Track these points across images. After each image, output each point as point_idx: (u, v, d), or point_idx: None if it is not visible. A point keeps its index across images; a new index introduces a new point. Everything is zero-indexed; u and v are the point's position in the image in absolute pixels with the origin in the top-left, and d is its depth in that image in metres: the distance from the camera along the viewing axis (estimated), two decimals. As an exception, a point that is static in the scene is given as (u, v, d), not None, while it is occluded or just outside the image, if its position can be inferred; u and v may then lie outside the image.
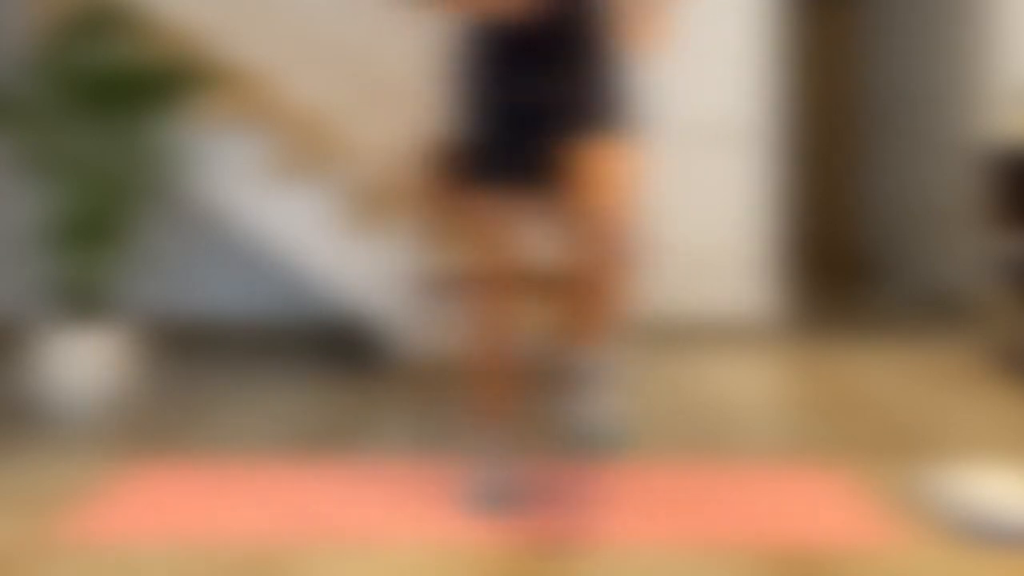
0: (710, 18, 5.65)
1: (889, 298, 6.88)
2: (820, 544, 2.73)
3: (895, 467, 3.35)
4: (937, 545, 2.71)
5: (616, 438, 3.13)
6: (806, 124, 8.54)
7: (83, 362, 4.17)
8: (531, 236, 3.13)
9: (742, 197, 5.69)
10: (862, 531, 2.81)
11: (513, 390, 3.16)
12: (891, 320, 6.02)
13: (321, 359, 5.09)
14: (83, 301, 4.29)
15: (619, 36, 3.10)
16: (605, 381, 3.14)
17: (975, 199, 6.08)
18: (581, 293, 3.04)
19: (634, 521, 2.90)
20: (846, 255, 8.53)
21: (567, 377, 3.18)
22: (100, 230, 4.27)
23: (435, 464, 3.42)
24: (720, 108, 5.66)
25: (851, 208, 8.52)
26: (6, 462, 3.46)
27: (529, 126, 3.05)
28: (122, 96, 4.28)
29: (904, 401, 4.18)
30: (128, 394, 4.32)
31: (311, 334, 5.67)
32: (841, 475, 3.27)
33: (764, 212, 5.70)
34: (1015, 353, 4.89)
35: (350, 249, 4.87)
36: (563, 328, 3.15)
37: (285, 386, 4.53)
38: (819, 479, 3.24)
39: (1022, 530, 2.74)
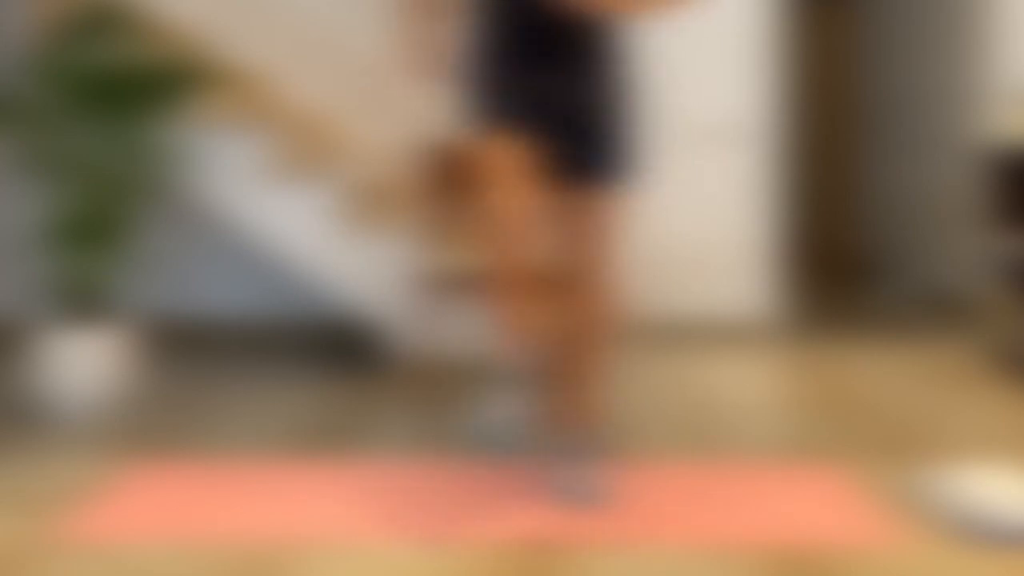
0: (711, 18, 5.65)
1: (889, 298, 6.88)
2: (820, 544, 2.73)
3: (895, 467, 3.35)
4: (937, 545, 2.71)
5: (595, 496, 3.13)
6: (806, 124, 8.54)
7: (83, 362, 4.17)
8: (543, 238, 3.14)
9: (742, 197, 5.69)
10: (862, 531, 2.81)
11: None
12: (891, 320, 6.02)
13: (321, 359, 5.09)
14: (83, 301, 4.29)
15: (621, 30, 3.10)
16: (591, 446, 3.16)
17: (975, 199, 6.08)
18: (581, 295, 3.06)
19: (634, 521, 2.90)
20: (846, 255, 8.53)
21: (560, 434, 3.19)
22: (100, 230, 4.27)
23: (435, 463, 3.42)
24: (720, 108, 5.66)
25: (851, 208, 8.52)
26: (6, 462, 3.46)
27: (539, 127, 3.06)
28: (122, 96, 4.28)
29: (904, 401, 4.18)
30: (128, 394, 4.32)
31: (311, 334, 5.67)
32: (841, 475, 3.27)
33: (764, 212, 5.70)
34: (1015, 353, 4.89)
35: (350, 249, 4.87)
36: (563, 330, 3.16)
37: (285, 386, 4.54)
38: (819, 479, 3.24)
39: (1022, 530, 2.74)
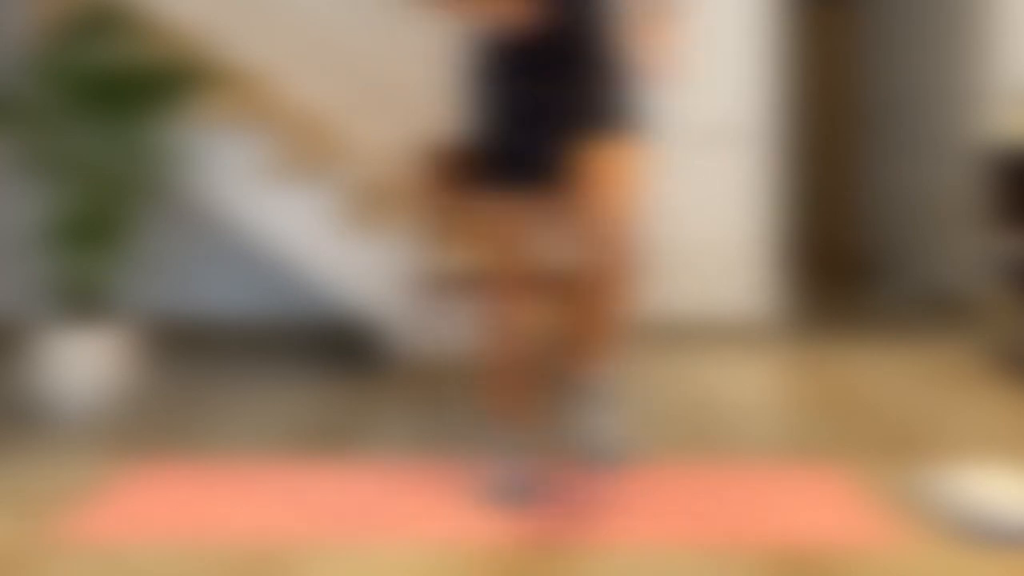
0: (711, 18, 5.65)
1: (889, 298, 6.88)
2: (820, 544, 2.73)
3: (895, 467, 3.35)
4: (937, 545, 2.71)
5: (621, 452, 3.16)
6: (806, 124, 8.54)
7: (83, 362, 4.17)
8: (542, 239, 3.14)
9: (742, 197, 5.68)
10: (862, 531, 2.81)
11: (529, 390, 3.18)
12: (891, 320, 6.02)
13: (321, 359, 5.09)
14: (83, 301, 4.29)
15: (630, 47, 3.12)
16: (611, 394, 3.17)
17: (975, 199, 6.08)
18: (587, 297, 3.06)
19: (634, 521, 2.90)
20: (846, 255, 8.53)
21: (575, 387, 3.20)
22: (100, 230, 4.27)
23: (435, 463, 3.42)
24: (720, 108, 5.66)
25: (851, 208, 8.52)
26: (6, 462, 3.46)
27: (540, 130, 3.07)
28: (122, 96, 4.28)
29: (904, 401, 4.18)
30: (128, 394, 4.32)
31: (311, 334, 5.67)
32: (841, 475, 3.27)
33: (764, 212, 5.70)
34: (1015, 353, 4.89)
35: (350, 249, 4.87)
36: (570, 333, 3.16)
37: (285, 386, 4.53)
38: (819, 479, 3.24)
39: (1022, 530, 2.74)
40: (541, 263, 3.10)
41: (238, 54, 5.59)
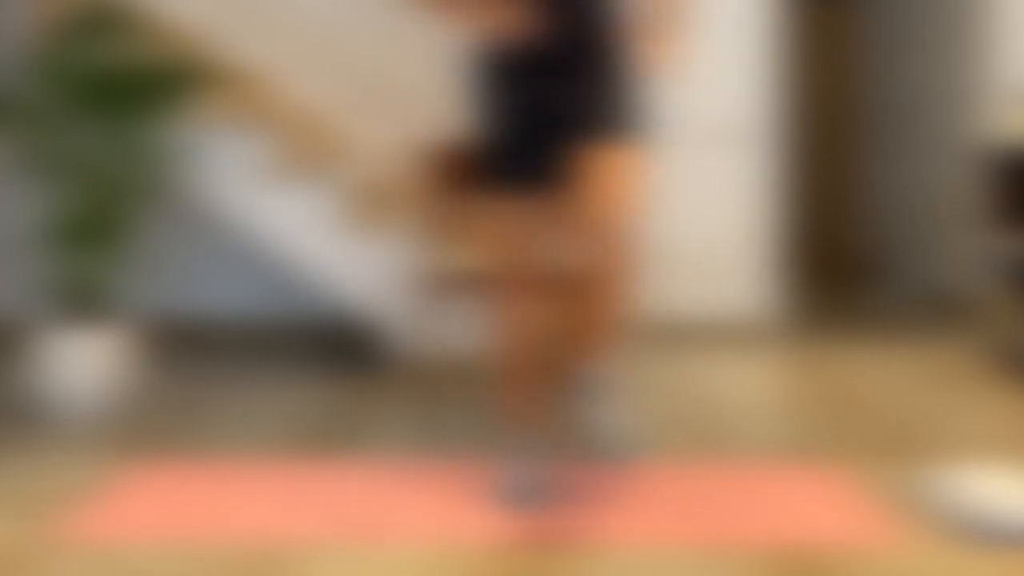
0: (711, 18, 5.65)
1: (889, 298, 6.88)
2: (820, 544, 2.73)
3: (895, 467, 3.35)
4: (937, 545, 2.71)
5: (632, 445, 3.17)
6: (807, 124, 8.54)
7: (83, 362, 4.17)
8: (546, 239, 3.14)
9: (742, 197, 5.68)
10: (862, 531, 2.81)
11: (540, 389, 3.18)
12: (891, 320, 6.02)
13: (321, 359, 5.09)
14: (83, 301, 4.29)
15: (634, 54, 3.13)
16: (617, 389, 3.17)
17: (975, 199, 6.08)
18: (587, 298, 3.06)
19: (635, 521, 2.90)
20: (846, 255, 8.53)
21: (578, 385, 3.20)
22: (100, 230, 4.27)
23: (435, 463, 3.42)
24: (721, 108, 5.66)
25: (851, 208, 8.52)
26: (6, 462, 3.46)
27: (541, 133, 3.07)
28: (122, 96, 4.28)
29: (904, 401, 4.18)
30: (128, 394, 4.32)
31: (311, 334, 5.67)
32: (841, 475, 3.27)
33: (764, 212, 5.70)
34: (1015, 353, 4.89)
35: (350, 249, 4.87)
36: (571, 332, 3.17)
37: (285, 386, 4.53)
38: (819, 479, 3.24)
39: (1022, 530, 2.74)
40: (545, 263, 3.10)
41: (238, 54, 5.59)
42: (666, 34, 3.13)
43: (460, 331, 4.95)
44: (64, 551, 2.70)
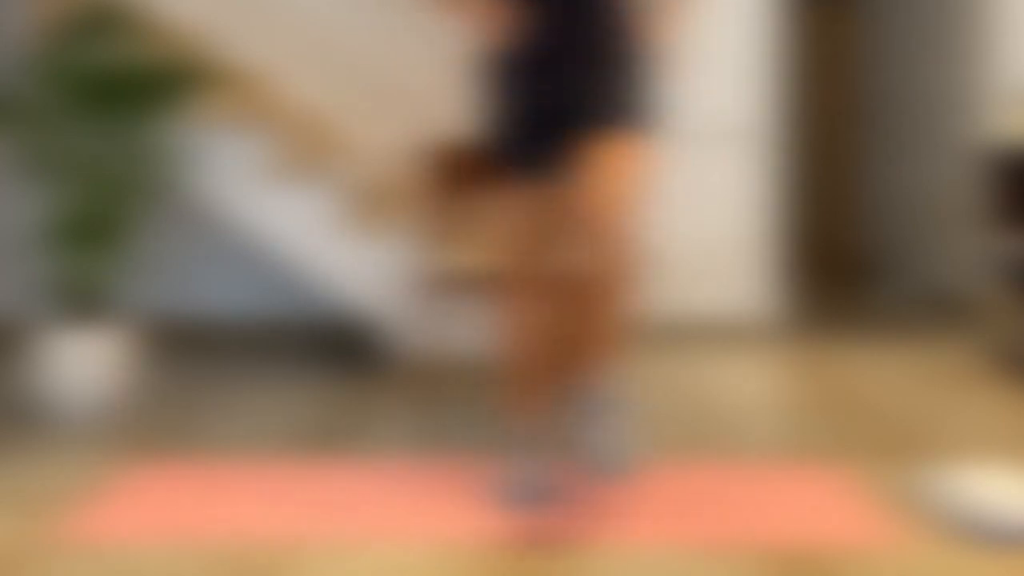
0: (712, 18, 5.65)
1: (889, 298, 6.88)
2: (820, 544, 2.73)
3: (895, 467, 3.35)
4: (937, 545, 2.71)
5: (625, 463, 3.17)
6: (807, 124, 8.54)
7: (83, 362, 4.17)
8: (552, 239, 3.14)
9: (743, 197, 5.68)
10: (862, 531, 2.81)
11: (546, 390, 3.17)
12: (891, 320, 6.02)
13: (321, 359, 5.09)
14: (83, 301, 4.29)
15: (640, 43, 3.12)
16: (615, 405, 3.16)
17: (975, 199, 6.08)
18: (587, 298, 3.05)
19: (634, 521, 2.90)
20: (846, 255, 8.53)
21: (578, 391, 3.20)
22: (100, 230, 4.27)
23: (435, 463, 3.42)
24: (721, 108, 5.66)
25: (851, 208, 8.52)
26: (6, 462, 3.46)
27: (546, 128, 3.06)
28: (122, 96, 4.28)
29: (904, 401, 4.18)
30: (128, 394, 4.32)
31: (311, 334, 5.67)
32: (841, 475, 3.27)
33: (764, 212, 5.70)
34: (1015, 353, 4.89)
35: (350, 249, 4.87)
36: (575, 336, 3.15)
37: (285, 386, 4.53)
38: (819, 479, 3.24)
39: (1022, 530, 2.74)
40: (551, 262, 3.10)
41: (238, 54, 5.59)
42: (671, 14, 3.12)
43: (460, 331, 4.95)
44: (64, 551, 2.70)
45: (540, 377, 3.14)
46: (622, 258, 3.02)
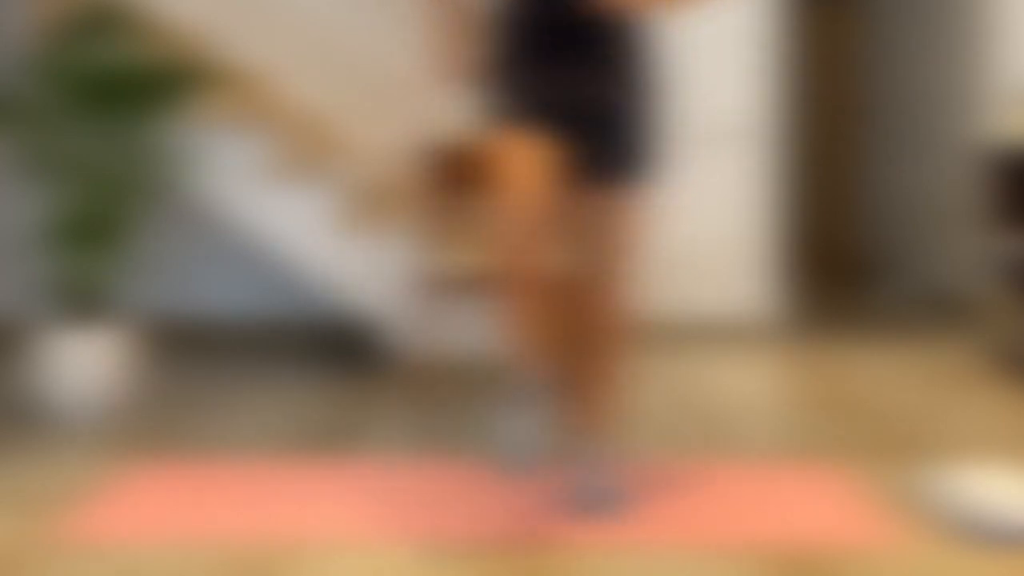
0: (712, 18, 5.65)
1: (889, 298, 6.88)
2: (820, 544, 2.73)
3: (895, 467, 3.35)
4: (937, 545, 2.71)
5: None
6: (807, 125, 8.55)
7: (83, 362, 4.17)
8: (551, 240, 3.12)
9: (743, 197, 5.68)
10: (862, 531, 2.81)
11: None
12: (891, 320, 6.02)
13: (320, 359, 5.09)
14: (83, 301, 4.29)
15: (638, 32, 3.08)
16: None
17: (975, 199, 6.08)
18: (590, 302, 3.04)
19: (635, 521, 2.90)
20: (846, 255, 8.53)
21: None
22: (100, 230, 4.27)
23: (435, 463, 3.42)
24: (721, 108, 5.66)
25: (852, 208, 8.52)
26: (6, 462, 3.46)
27: (556, 126, 3.03)
28: (122, 96, 4.28)
29: (904, 401, 4.18)
30: (128, 394, 4.32)
31: (311, 334, 5.67)
32: (841, 475, 3.27)
33: (765, 212, 5.70)
34: (1015, 353, 4.89)
35: (350, 249, 4.87)
36: (574, 338, 3.12)
37: (284, 386, 4.54)
38: (819, 479, 3.24)
39: (1022, 530, 2.74)
40: (551, 264, 3.07)
41: (238, 54, 5.60)
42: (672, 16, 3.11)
43: (460, 331, 4.96)
44: (64, 551, 2.70)
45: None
46: (622, 322, 3.02)
